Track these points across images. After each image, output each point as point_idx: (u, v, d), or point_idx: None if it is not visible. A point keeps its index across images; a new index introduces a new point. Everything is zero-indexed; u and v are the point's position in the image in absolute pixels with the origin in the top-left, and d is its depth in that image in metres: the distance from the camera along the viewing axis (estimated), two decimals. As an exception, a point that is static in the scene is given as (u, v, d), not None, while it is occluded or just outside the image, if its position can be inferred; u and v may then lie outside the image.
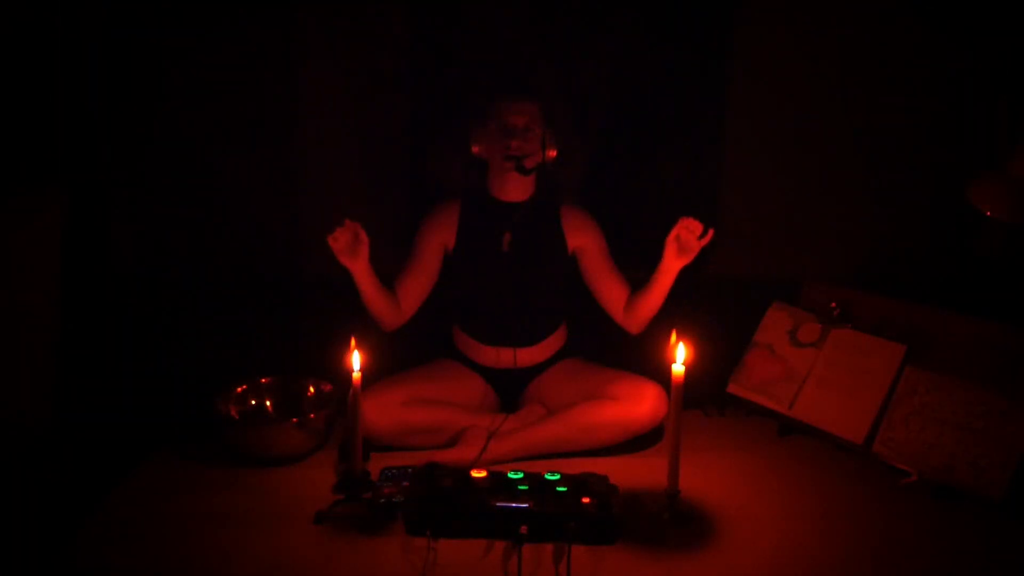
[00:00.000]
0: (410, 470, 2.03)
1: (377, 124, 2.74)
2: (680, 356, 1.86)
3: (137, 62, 2.68)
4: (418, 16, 2.70)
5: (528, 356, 2.34)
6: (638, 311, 2.27)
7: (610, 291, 2.32)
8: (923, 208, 2.73)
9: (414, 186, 2.78)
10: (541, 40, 2.71)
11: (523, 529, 1.79)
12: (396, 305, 2.27)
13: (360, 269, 2.13)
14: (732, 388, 2.42)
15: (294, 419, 2.16)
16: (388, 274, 2.30)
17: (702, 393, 2.41)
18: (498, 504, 1.84)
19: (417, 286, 2.31)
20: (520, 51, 2.71)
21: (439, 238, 2.33)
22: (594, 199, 2.52)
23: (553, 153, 2.27)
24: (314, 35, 2.68)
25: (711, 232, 2.09)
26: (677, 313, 2.25)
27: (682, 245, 2.12)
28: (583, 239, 2.33)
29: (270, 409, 2.34)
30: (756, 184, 2.76)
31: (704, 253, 2.15)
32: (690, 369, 1.86)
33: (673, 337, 1.88)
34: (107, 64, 2.66)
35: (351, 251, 2.10)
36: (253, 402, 2.33)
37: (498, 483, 1.90)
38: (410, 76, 2.73)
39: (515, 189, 2.31)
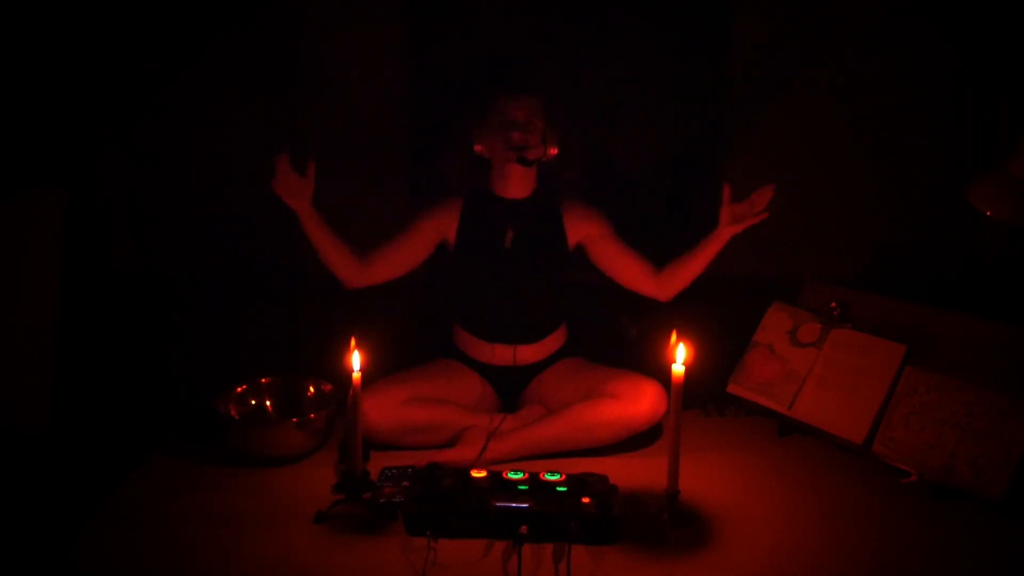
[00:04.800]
0: (410, 470, 2.04)
1: (378, 123, 2.74)
2: (680, 356, 1.85)
3: (137, 62, 2.68)
4: (419, 15, 2.70)
5: (528, 354, 2.34)
6: (676, 275, 2.26)
7: (629, 267, 2.31)
8: (923, 208, 2.73)
9: (414, 186, 2.79)
10: (541, 38, 2.72)
11: (523, 529, 1.79)
12: (354, 259, 2.23)
13: (306, 211, 2.12)
14: (732, 388, 2.42)
15: (294, 419, 2.16)
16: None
17: (702, 393, 2.41)
18: (498, 504, 1.84)
19: (397, 256, 2.28)
20: (520, 49, 2.72)
21: (438, 226, 2.32)
22: (593, 198, 2.52)
23: (554, 151, 2.28)
24: (315, 33, 2.69)
25: (766, 215, 2.15)
26: (677, 313, 2.26)
27: (736, 215, 2.16)
28: (586, 229, 2.33)
29: (270, 409, 2.34)
30: (756, 184, 2.76)
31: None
32: (690, 369, 1.86)
33: (673, 337, 1.88)
34: (107, 64, 2.66)
35: (297, 191, 2.10)
36: (253, 402, 2.33)
37: (498, 483, 1.90)
38: (410, 75, 2.73)
39: (517, 186, 2.31)
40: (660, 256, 2.30)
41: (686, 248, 2.25)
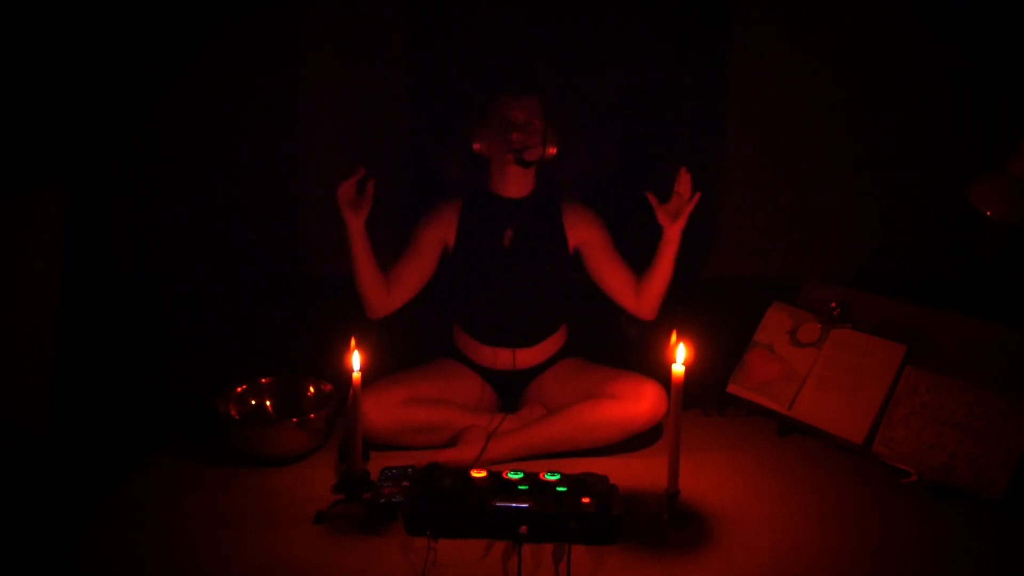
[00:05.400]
0: (410, 470, 2.04)
1: (377, 123, 2.74)
2: (680, 356, 1.86)
3: (137, 62, 2.68)
4: (419, 15, 2.70)
5: (527, 357, 2.34)
6: (648, 290, 2.28)
7: (618, 281, 2.33)
8: (923, 208, 2.73)
9: (414, 186, 2.78)
10: (541, 38, 2.72)
11: (523, 529, 1.79)
12: (385, 287, 2.27)
13: (357, 227, 2.15)
14: (732, 388, 2.42)
15: (294, 419, 2.16)
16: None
17: (702, 393, 2.41)
18: (498, 504, 1.84)
19: (411, 275, 2.30)
20: (521, 49, 2.72)
21: (438, 234, 2.32)
22: (593, 198, 2.53)
23: (553, 150, 2.28)
24: (314, 34, 2.69)
25: (698, 194, 2.17)
26: (677, 313, 2.26)
27: (671, 212, 2.20)
28: (585, 233, 2.33)
29: (270, 409, 2.34)
30: (756, 184, 2.76)
31: (694, 218, 2.20)
32: (690, 369, 1.86)
33: (673, 337, 1.88)
34: (107, 64, 2.66)
35: (355, 204, 2.14)
36: (253, 402, 2.33)
37: (498, 483, 1.90)
38: (410, 75, 2.73)
39: (516, 185, 2.31)
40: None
41: (680, 253, 2.25)
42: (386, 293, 2.27)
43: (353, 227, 2.15)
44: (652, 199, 2.21)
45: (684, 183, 2.20)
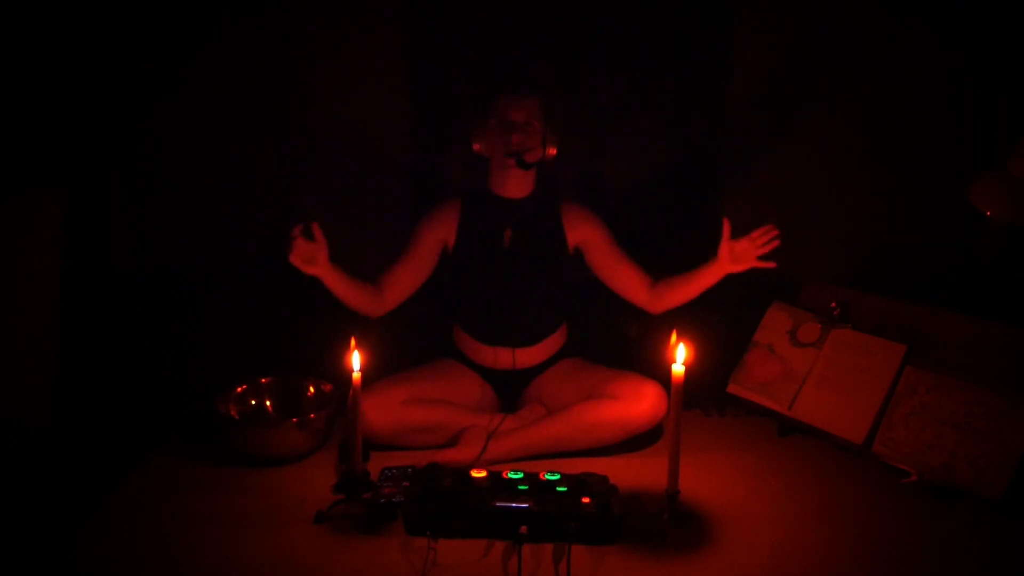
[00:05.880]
0: (410, 470, 2.04)
1: (377, 123, 2.74)
2: (680, 356, 1.86)
3: (137, 62, 2.68)
4: (419, 15, 2.70)
5: (527, 357, 2.34)
6: (668, 296, 2.27)
7: (624, 277, 2.32)
8: (923, 208, 2.73)
9: (414, 186, 2.78)
10: (541, 39, 2.72)
11: (523, 529, 1.79)
12: (374, 295, 2.25)
13: (325, 273, 2.12)
14: (732, 388, 2.42)
15: (294, 419, 2.16)
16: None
17: (702, 393, 2.41)
18: (498, 504, 1.84)
19: (408, 276, 2.30)
20: (520, 49, 2.72)
21: (437, 234, 2.32)
22: (592, 198, 2.53)
23: (553, 151, 2.27)
24: (314, 34, 2.69)
25: (773, 264, 2.13)
26: (677, 313, 2.26)
27: (736, 254, 2.15)
28: (586, 233, 2.33)
29: (270, 409, 2.34)
30: (756, 184, 2.76)
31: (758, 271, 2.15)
32: (690, 369, 1.86)
33: (673, 337, 1.88)
34: (107, 64, 2.66)
35: (311, 258, 2.08)
36: (253, 402, 2.33)
37: (498, 483, 1.90)
38: (410, 75, 2.73)
39: (516, 185, 2.31)
40: (655, 263, 2.30)
41: (681, 254, 2.25)
42: (378, 302, 2.26)
43: (321, 275, 2.12)
44: (726, 228, 2.16)
45: (763, 240, 2.15)
